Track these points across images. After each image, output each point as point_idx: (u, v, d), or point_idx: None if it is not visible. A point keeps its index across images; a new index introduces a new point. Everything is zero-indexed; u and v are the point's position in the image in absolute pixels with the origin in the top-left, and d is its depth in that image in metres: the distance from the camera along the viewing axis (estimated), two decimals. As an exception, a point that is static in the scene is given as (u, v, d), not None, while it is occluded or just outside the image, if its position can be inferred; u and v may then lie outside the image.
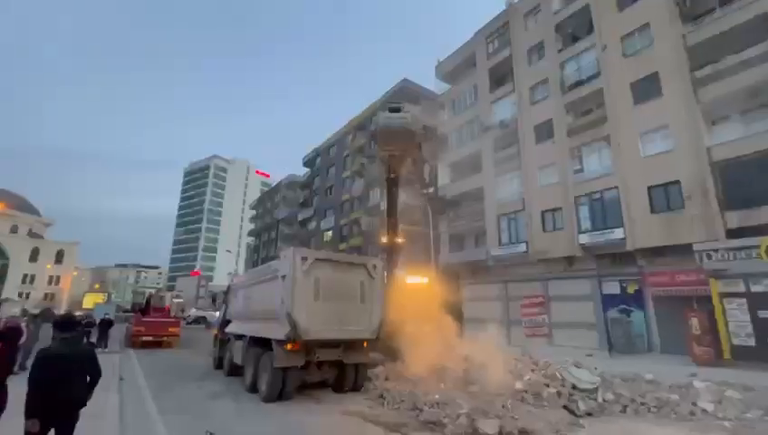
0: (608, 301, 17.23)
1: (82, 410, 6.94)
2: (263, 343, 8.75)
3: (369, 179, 34.66)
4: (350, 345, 8.61)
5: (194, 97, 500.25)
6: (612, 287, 17.45)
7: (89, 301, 59.60)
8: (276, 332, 7.98)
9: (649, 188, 16.46)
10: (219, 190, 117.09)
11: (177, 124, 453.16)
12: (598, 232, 17.75)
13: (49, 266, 68.17)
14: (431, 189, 10.75)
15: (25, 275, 65.51)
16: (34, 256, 67.10)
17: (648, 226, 16.23)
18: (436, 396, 7.55)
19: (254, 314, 10.01)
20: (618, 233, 16.95)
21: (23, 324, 11.11)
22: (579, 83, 20.04)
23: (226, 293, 14.02)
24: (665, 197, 16.06)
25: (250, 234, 65.36)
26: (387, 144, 9.42)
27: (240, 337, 10.35)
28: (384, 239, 12.14)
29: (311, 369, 8.42)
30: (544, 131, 21.37)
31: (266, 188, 79.88)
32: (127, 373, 11.33)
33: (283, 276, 8.17)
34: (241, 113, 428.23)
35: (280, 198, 54.89)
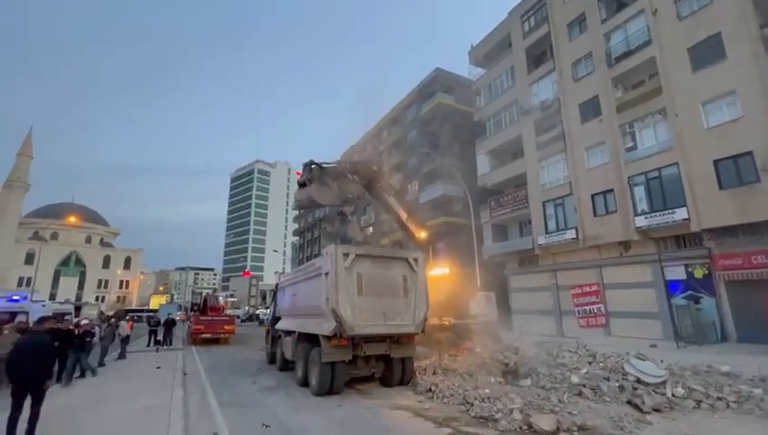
0: (672, 287, 15.86)
1: (152, 404, 7.48)
2: (311, 339, 8.96)
3: (407, 173, 34.51)
4: (396, 340, 8.61)
5: (232, 105, 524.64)
6: (676, 272, 16.03)
7: (155, 302, 64.65)
8: (323, 327, 8.15)
9: (716, 162, 14.93)
10: (263, 193, 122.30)
11: (221, 132, 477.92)
12: (656, 213, 16.40)
13: (119, 272, 75.03)
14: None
15: (100, 281, 72.66)
16: (107, 263, 74.14)
17: (716, 203, 14.75)
18: (487, 390, 7.35)
19: (301, 311, 10.28)
20: (680, 213, 15.58)
21: (96, 327, 12.32)
22: (627, 54, 18.53)
23: (275, 291, 14.57)
24: (735, 170, 14.49)
25: (294, 233, 67.49)
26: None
27: (289, 333, 10.70)
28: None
29: (358, 363, 8.55)
30: (590, 109, 20.05)
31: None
32: (189, 368, 12.19)
33: (326, 273, 8.29)
34: (279, 116, 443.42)
35: (320, 198, 56.08)
